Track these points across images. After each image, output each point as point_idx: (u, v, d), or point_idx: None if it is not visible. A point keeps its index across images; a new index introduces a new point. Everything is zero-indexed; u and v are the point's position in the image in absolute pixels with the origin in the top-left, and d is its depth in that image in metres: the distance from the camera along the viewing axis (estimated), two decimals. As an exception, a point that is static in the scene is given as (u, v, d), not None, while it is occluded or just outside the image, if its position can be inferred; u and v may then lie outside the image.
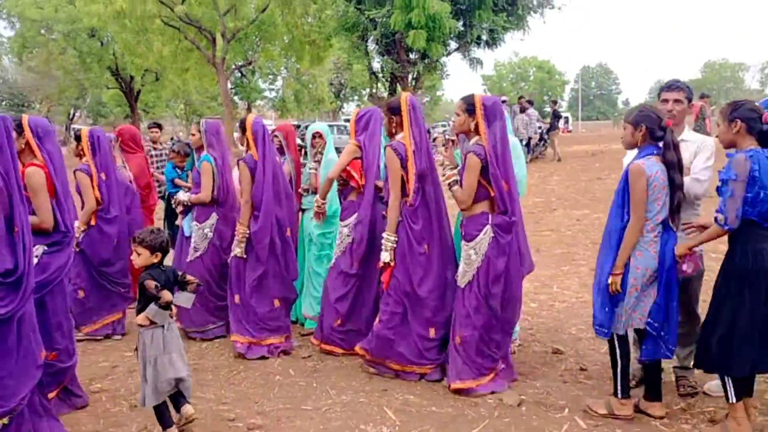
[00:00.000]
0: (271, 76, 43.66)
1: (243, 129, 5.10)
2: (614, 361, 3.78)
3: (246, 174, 4.99)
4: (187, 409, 3.63)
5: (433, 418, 3.86)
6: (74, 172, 5.41)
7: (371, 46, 18.75)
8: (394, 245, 4.44)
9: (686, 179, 3.76)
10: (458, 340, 4.21)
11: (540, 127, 17.85)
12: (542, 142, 17.97)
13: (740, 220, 3.30)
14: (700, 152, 3.94)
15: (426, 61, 18.69)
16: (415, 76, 18.46)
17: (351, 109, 57.13)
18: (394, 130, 4.61)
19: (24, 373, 3.22)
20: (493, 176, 4.05)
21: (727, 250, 3.50)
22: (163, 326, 3.54)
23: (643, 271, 3.59)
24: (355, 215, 4.92)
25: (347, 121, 32.49)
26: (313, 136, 5.78)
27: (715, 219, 3.40)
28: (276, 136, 5.83)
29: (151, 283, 3.47)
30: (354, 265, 4.89)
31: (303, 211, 5.80)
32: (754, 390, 3.64)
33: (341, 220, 5.08)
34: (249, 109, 44.39)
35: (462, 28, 17.04)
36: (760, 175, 3.24)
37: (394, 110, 4.56)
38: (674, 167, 3.62)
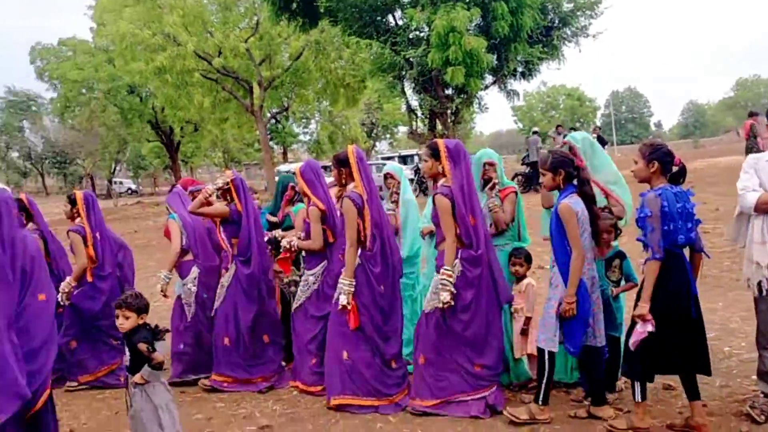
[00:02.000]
0: (304, 120, 44.45)
1: (341, 163, 4.97)
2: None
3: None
4: None
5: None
6: (68, 232, 5.78)
7: (407, 84, 18.89)
8: (351, 289, 4.69)
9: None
10: (422, 360, 4.54)
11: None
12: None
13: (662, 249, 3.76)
14: None
15: (463, 96, 18.75)
16: (453, 111, 18.51)
17: (384, 147, 57.93)
18: (344, 181, 4.94)
19: None
20: (459, 213, 4.37)
21: None
22: (155, 385, 3.79)
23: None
24: (322, 264, 5.23)
25: (384, 158, 32.92)
26: (385, 177, 5.84)
27: (645, 261, 3.84)
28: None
29: (143, 347, 3.69)
30: (323, 308, 5.12)
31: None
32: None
33: (307, 269, 5.32)
34: (285, 154, 45.12)
35: (497, 62, 17.07)
36: (669, 210, 3.74)
37: (342, 162, 4.88)
38: (591, 200, 4.14)
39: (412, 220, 5.63)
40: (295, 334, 5.37)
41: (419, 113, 19.59)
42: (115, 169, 52.65)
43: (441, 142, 4.56)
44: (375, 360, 4.81)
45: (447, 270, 4.39)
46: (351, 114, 40.06)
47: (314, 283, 5.27)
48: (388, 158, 34.32)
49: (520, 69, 18.42)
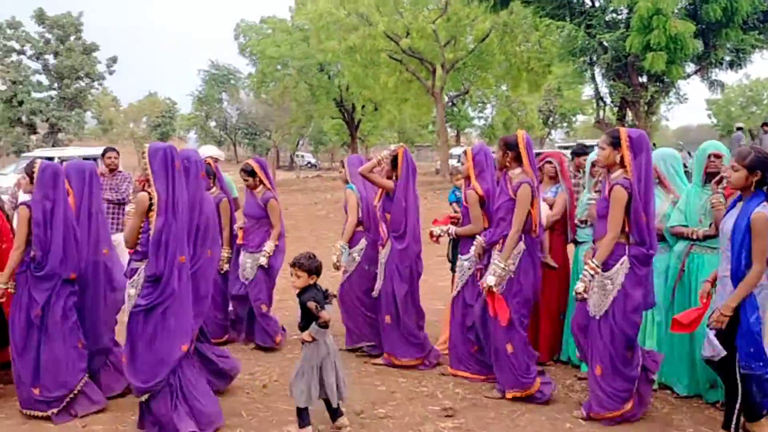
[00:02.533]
0: (480, 104, 44.06)
1: (509, 146, 4.80)
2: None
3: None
4: (343, 420, 4.17)
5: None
6: (269, 201, 6.05)
7: (597, 70, 17.95)
8: (504, 274, 4.61)
9: None
10: (598, 371, 4.25)
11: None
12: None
13: None
14: None
15: (658, 84, 17.47)
16: (647, 100, 17.31)
17: (560, 136, 55.89)
18: (507, 164, 4.78)
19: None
20: (635, 208, 4.10)
21: None
22: (325, 340, 4.02)
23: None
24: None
25: (561, 148, 31.76)
26: (593, 165, 5.53)
27: None
28: (550, 162, 5.65)
29: (312, 305, 3.91)
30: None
31: (577, 243, 5.50)
32: None
33: (461, 254, 5.22)
34: (458, 137, 45.16)
35: (704, 49, 15.66)
36: None
37: (509, 145, 4.76)
38: None
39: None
40: (454, 321, 5.31)
41: (608, 101, 18.58)
42: (298, 143, 55.83)
43: (623, 131, 4.28)
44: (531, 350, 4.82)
45: (592, 263, 4.16)
46: (529, 100, 39.01)
47: (469, 269, 5.16)
48: (565, 147, 33.04)
49: (728, 58, 16.77)
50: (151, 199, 4.01)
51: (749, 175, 3.72)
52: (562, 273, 5.52)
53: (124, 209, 7.26)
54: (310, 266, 4.00)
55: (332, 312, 4.15)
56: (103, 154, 7.47)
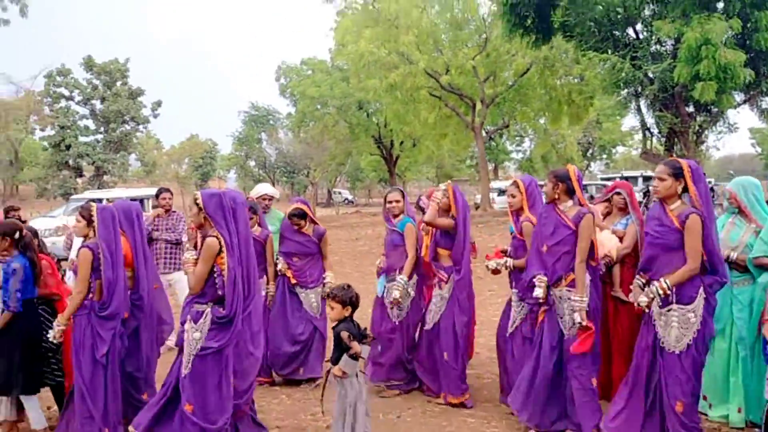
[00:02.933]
0: (518, 138, 43.96)
1: (560, 178, 4.77)
2: None
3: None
4: None
5: None
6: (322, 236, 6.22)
7: (642, 101, 17.72)
8: (584, 305, 4.51)
9: None
10: (680, 407, 4.12)
11: None
12: None
13: None
14: None
15: (705, 114, 17.16)
16: (695, 130, 16.98)
17: (599, 168, 55.29)
18: (556, 196, 4.74)
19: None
20: (710, 237, 4.08)
21: None
22: (357, 375, 3.89)
23: None
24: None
25: (604, 179, 31.32)
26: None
27: None
28: (619, 193, 5.51)
29: (345, 334, 3.82)
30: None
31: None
32: None
33: (514, 287, 5.23)
34: (496, 170, 44.99)
35: (753, 77, 15.33)
36: None
37: (561, 177, 4.73)
38: None
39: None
40: (513, 359, 5.20)
41: (655, 132, 18.28)
42: (335, 180, 56.33)
43: (684, 162, 4.26)
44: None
45: (665, 283, 4.10)
46: (568, 132, 38.76)
47: (523, 306, 5.19)
48: (608, 179, 32.61)
49: (779, 85, 16.38)
50: (220, 244, 4.04)
51: None
52: (633, 307, 5.31)
53: (180, 248, 7.35)
54: (344, 297, 3.98)
55: (367, 354, 4.10)
56: (157, 195, 7.58)
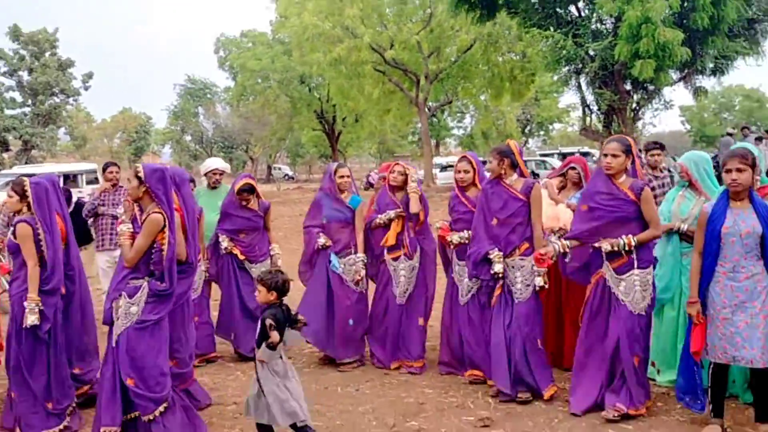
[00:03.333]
0: (459, 114, 44.28)
1: (503, 154, 4.94)
2: None
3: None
4: None
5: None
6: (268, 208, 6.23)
7: (583, 78, 18.11)
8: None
9: None
10: (637, 361, 4.39)
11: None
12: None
13: None
14: None
15: (642, 91, 17.69)
16: (633, 107, 17.49)
17: (537, 144, 56.33)
18: (503, 172, 4.88)
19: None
20: None
21: None
22: (281, 357, 3.88)
23: None
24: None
25: (542, 156, 31.96)
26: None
27: None
28: (574, 168, 5.60)
29: (268, 322, 3.79)
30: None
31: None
32: None
33: (459, 258, 5.31)
34: (437, 147, 45.26)
35: (690, 56, 15.86)
36: None
37: (504, 153, 4.89)
38: None
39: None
40: (470, 327, 5.32)
41: (594, 109, 18.73)
42: (274, 156, 55.52)
43: (631, 139, 4.57)
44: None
45: (633, 240, 4.34)
46: (507, 109, 39.30)
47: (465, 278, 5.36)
48: (546, 155, 33.36)
49: (711, 65, 17.03)
50: (164, 220, 4.00)
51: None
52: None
53: None
54: (270, 282, 3.92)
55: (297, 338, 4.12)
56: (104, 169, 7.29)
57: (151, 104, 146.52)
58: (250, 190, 5.99)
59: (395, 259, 5.67)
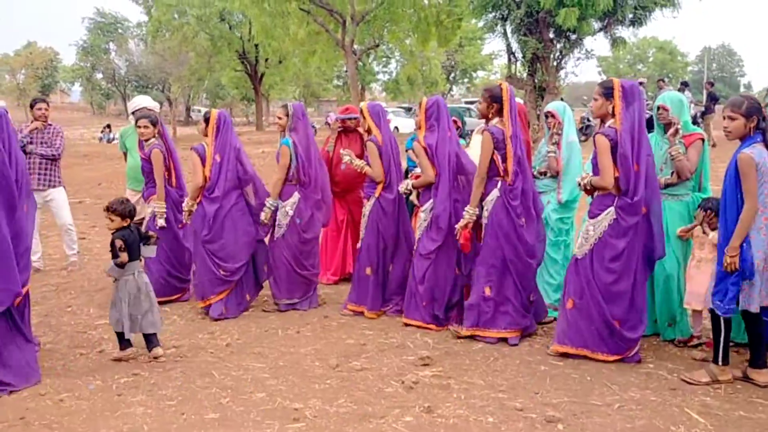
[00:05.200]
0: (384, 59, 43.76)
1: (493, 98, 4.93)
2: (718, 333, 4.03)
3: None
4: (157, 350, 4.46)
5: (748, 425, 3.60)
6: (191, 149, 5.76)
7: (509, 26, 18.24)
8: (473, 218, 4.87)
9: None
10: (570, 304, 4.48)
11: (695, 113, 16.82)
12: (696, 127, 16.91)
13: None
14: None
15: (564, 40, 18.04)
16: (556, 56, 17.83)
17: (461, 92, 56.68)
18: (490, 116, 4.91)
19: None
20: (622, 157, 4.23)
21: None
22: (133, 274, 4.40)
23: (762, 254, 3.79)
24: (431, 201, 5.20)
25: (467, 103, 32.16)
26: (546, 116, 5.63)
27: None
28: None
29: (118, 243, 4.33)
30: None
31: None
32: None
33: (421, 204, 5.35)
34: (363, 91, 44.68)
35: (611, 6, 16.23)
36: None
37: (494, 98, 4.85)
38: None
39: (574, 164, 5.41)
40: (412, 274, 5.37)
41: (519, 56, 18.96)
42: (193, 96, 53.51)
43: (616, 81, 4.39)
44: (520, 293, 4.92)
45: (590, 180, 4.43)
46: (432, 55, 39.18)
47: (425, 220, 5.27)
48: (471, 102, 33.66)
49: (630, 15, 17.52)
50: None
51: (747, 122, 3.88)
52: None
53: (56, 164, 6.84)
54: (123, 211, 4.41)
55: (153, 253, 4.68)
56: (32, 106, 6.83)
57: (58, 38, 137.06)
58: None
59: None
